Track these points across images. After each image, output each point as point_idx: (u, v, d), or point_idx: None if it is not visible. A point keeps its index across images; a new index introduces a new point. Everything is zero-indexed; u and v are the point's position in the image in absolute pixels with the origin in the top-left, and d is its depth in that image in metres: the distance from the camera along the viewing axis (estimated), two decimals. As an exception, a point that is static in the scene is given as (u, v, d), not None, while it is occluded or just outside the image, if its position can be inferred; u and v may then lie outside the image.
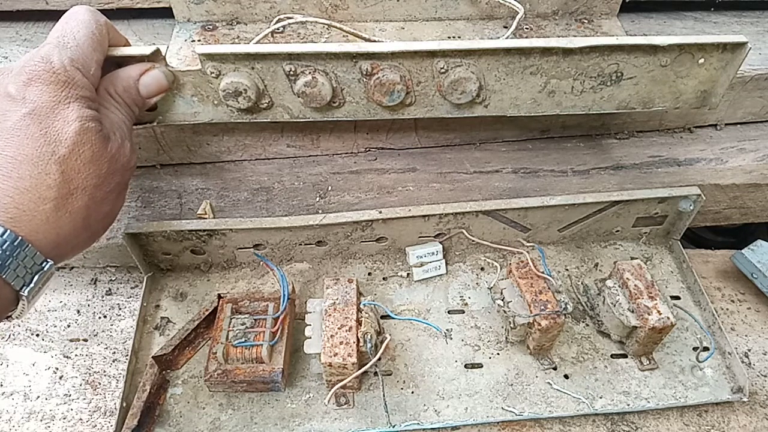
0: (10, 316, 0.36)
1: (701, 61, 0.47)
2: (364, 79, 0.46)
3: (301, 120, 0.49)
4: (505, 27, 0.60)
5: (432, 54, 0.45)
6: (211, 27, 0.58)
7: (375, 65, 0.45)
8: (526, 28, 0.61)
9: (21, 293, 0.34)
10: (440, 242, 0.59)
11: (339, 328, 0.48)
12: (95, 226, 0.39)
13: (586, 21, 0.62)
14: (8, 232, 0.33)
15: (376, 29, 0.59)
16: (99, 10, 0.60)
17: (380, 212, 0.56)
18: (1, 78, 0.37)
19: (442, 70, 0.45)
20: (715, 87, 0.49)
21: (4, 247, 0.33)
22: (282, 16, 0.46)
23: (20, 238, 0.34)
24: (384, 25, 0.59)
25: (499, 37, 0.58)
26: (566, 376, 0.53)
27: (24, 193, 0.34)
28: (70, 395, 0.51)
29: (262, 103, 0.47)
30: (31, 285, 0.35)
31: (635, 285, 0.51)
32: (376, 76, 0.45)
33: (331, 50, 0.44)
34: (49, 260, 0.35)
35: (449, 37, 0.59)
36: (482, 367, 0.53)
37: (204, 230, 0.54)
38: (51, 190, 0.35)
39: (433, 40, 0.59)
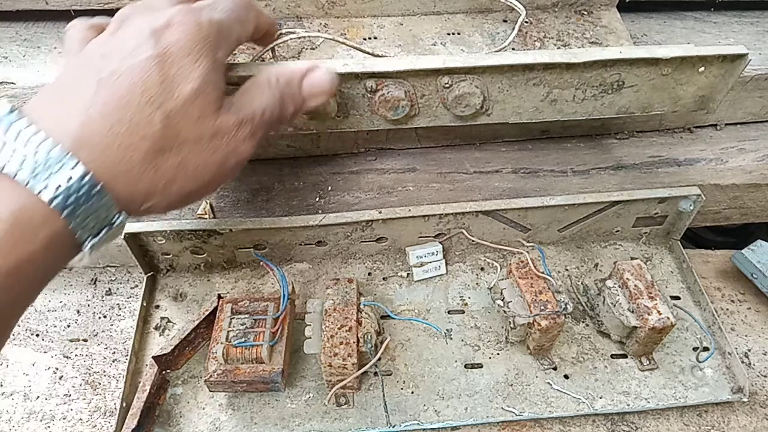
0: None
1: (701, 69, 0.47)
2: (369, 95, 0.46)
3: (305, 132, 0.49)
4: (505, 21, 0.60)
5: (436, 71, 0.45)
6: (209, 26, 0.58)
7: (380, 82, 0.45)
8: (526, 22, 0.61)
9: (84, 246, 0.32)
10: (440, 242, 0.59)
11: (339, 329, 0.48)
12: (173, 196, 0.35)
13: (585, 13, 0.61)
14: (89, 176, 0.30)
15: (375, 25, 0.59)
16: (98, 10, 0.60)
17: (380, 212, 0.56)
18: (139, 14, 0.35)
19: (447, 85, 0.45)
20: (714, 93, 0.50)
21: (80, 193, 0.29)
22: (284, 31, 0.47)
23: (101, 185, 0.30)
24: (382, 21, 0.59)
25: (498, 33, 0.58)
26: (566, 376, 0.53)
27: (117, 136, 0.31)
28: (70, 395, 0.51)
29: None
30: (96, 239, 0.32)
31: (635, 285, 0.51)
32: (381, 93, 0.45)
33: (336, 71, 0.44)
34: (121, 214, 0.32)
35: (448, 34, 0.58)
36: (482, 367, 0.53)
37: (204, 230, 0.54)
38: (146, 141, 0.32)
39: (433, 36, 0.58)
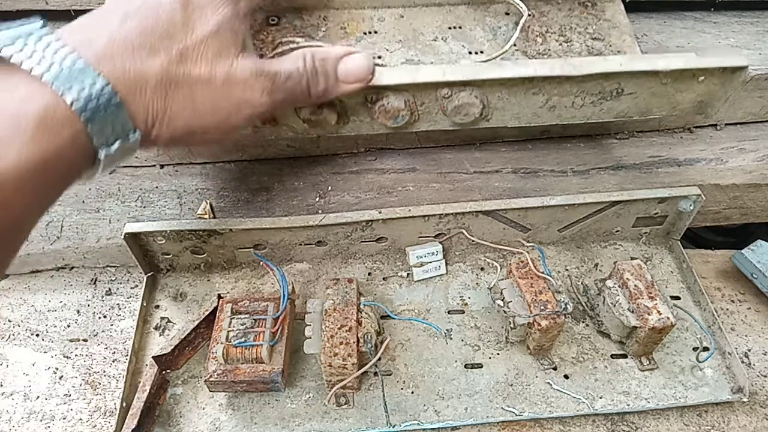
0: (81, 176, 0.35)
1: (701, 78, 0.47)
2: (369, 104, 0.46)
3: (306, 136, 0.49)
4: (507, 13, 0.59)
5: (436, 84, 0.45)
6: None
7: (380, 93, 0.45)
8: (528, 15, 0.60)
9: (99, 154, 0.33)
10: (440, 242, 0.59)
11: (339, 329, 0.48)
12: (178, 130, 0.37)
13: (589, 5, 0.61)
14: (109, 87, 0.32)
15: (375, 18, 0.58)
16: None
17: (380, 212, 0.56)
18: None
19: (446, 96, 0.46)
20: (712, 100, 0.49)
21: (99, 101, 0.32)
22: (284, 40, 0.47)
23: (118, 97, 0.33)
24: (382, 13, 0.58)
25: (500, 27, 0.58)
26: (566, 376, 0.53)
27: (136, 60, 0.34)
28: (70, 395, 0.51)
29: (266, 124, 0.47)
30: (111, 150, 0.33)
31: (635, 285, 0.51)
32: (380, 103, 0.45)
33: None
34: (135, 132, 0.34)
35: (450, 28, 0.58)
36: (482, 367, 0.53)
37: (204, 230, 0.54)
38: (161, 70, 0.34)
39: (434, 30, 0.58)
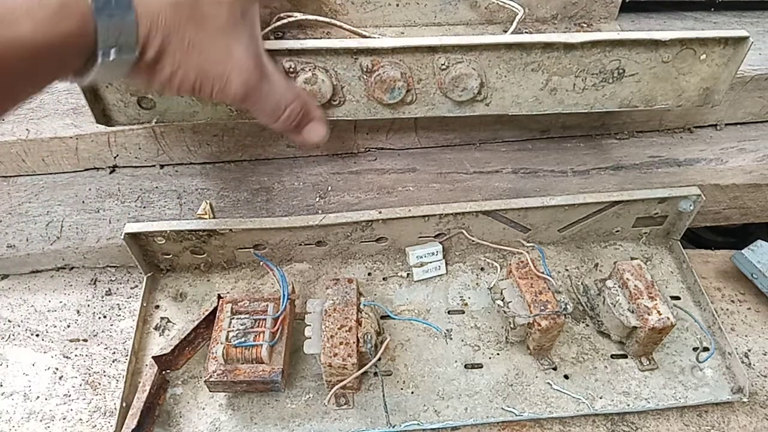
0: (70, 76, 0.35)
1: (703, 57, 0.47)
2: (365, 77, 0.46)
3: None
4: (505, 31, 0.60)
5: (433, 50, 0.44)
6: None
7: (375, 62, 0.45)
8: (525, 32, 0.61)
9: (97, 56, 0.33)
10: (440, 242, 0.59)
11: (339, 329, 0.48)
12: (165, 65, 0.37)
13: (585, 25, 0.62)
14: None
15: (376, 35, 0.59)
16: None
17: (380, 212, 0.56)
18: None
19: (443, 67, 0.45)
20: (717, 84, 0.49)
21: (113, 2, 0.33)
22: (282, 14, 0.47)
23: (133, 5, 0.33)
24: (384, 31, 0.59)
25: (499, 37, 0.58)
26: (566, 377, 0.53)
27: None
28: (70, 395, 0.51)
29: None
30: (109, 56, 0.34)
31: (635, 285, 0.51)
32: (377, 73, 0.45)
33: (331, 46, 0.44)
34: (137, 50, 0.35)
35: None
36: (482, 367, 0.53)
37: (204, 230, 0.54)
38: (178, 2, 0.35)
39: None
